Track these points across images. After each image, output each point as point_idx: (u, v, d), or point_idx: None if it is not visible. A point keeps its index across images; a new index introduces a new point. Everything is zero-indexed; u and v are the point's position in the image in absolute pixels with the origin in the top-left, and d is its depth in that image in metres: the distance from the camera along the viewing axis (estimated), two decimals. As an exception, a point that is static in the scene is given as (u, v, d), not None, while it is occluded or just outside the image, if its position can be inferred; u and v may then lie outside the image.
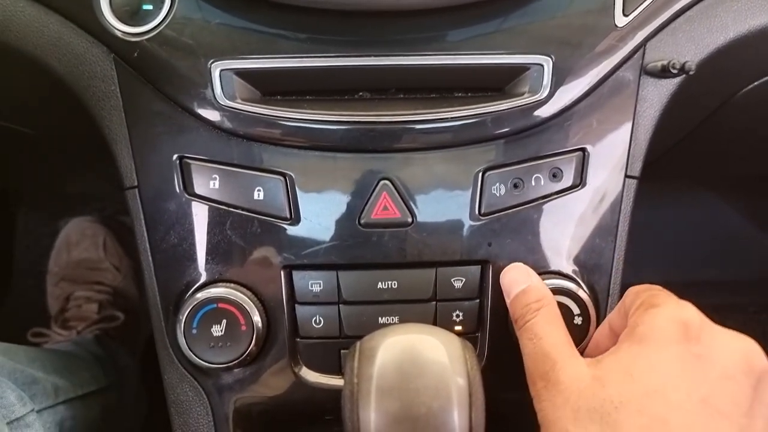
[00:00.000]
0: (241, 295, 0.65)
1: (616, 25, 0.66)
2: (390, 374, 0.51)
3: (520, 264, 0.66)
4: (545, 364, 0.55)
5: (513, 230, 0.67)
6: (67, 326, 1.32)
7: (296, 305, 0.68)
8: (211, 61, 0.64)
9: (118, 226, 1.47)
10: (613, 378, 0.50)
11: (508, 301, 0.64)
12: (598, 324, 0.66)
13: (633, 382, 0.49)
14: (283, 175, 0.66)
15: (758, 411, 0.48)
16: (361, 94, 0.67)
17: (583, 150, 0.67)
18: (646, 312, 0.53)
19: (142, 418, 1.29)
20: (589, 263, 0.68)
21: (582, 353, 0.66)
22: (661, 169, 0.91)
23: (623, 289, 0.69)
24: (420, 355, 0.52)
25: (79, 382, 1.00)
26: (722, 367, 0.49)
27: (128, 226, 1.37)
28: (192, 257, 0.67)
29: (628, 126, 0.68)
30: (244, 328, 0.65)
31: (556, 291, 0.65)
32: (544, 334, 0.58)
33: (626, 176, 0.69)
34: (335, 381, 0.68)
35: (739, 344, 0.50)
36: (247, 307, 0.65)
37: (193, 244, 0.67)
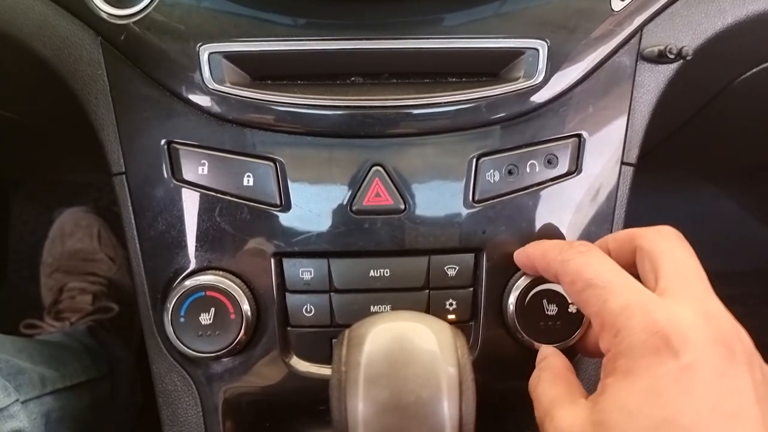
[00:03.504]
0: (230, 283, 0.64)
1: (612, 10, 0.65)
2: (378, 362, 0.50)
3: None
4: (545, 419, 0.53)
5: (507, 217, 0.66)
6: (61, 318, 1.31)
7: (287, 293, 0.67)
8: (200, 44, 0.62)
9: (112, 216, 1.46)
10: (613, 420, 0.47)
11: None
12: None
13: (634, 418, 0.46)
14: (273, 160, 0.65)
15: (762, 391, 0.46)
16: (353, 78, 0.66)
17: (579, 136, 0.66)
18: (616, 338, 0.49)
19: (137, 409, 1.29)
20: (584, 251, 0.67)
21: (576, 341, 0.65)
22: (660, 159, 0.90)
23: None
24: (409, 343, 0.51)
25: (68, 373, 0.99)
26: (712, 367, 0.46)
27: (121, 215, 1.36)
28: (180, 244, 0.66)
29: (625, 112, 0.67)
30: (233, 316, 0.64)
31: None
32: (540, 394, 0.56)
33: (623, 163, 0.68)
34: (326, 370, 0.67)
35: (716, 335, 0.48)
36: (236, 295, 0.64)
37: (181, 231, 0.66)
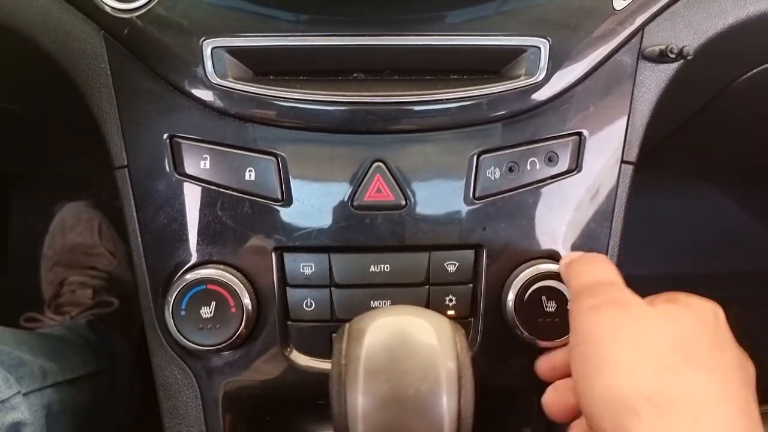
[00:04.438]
0: (231, 277, 0.65)
1: (614, 9, 0.66)
2: (378, 356, 0.50)
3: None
4: None
5: (508, 214, 0.66)
6: (61, 311, 1.31)
7: (287, 288, 0.67)
8: (203, 38, 0.63)
9: (113, 211, 1.46)
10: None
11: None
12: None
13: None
14: (275, 155, 0.65)
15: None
16: (355, 74, 0.66)
17: (580, 134, 0.67)
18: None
19: (137, 403, 1.29)
20: (583, 249, 0.67)
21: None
22: (659, 158, 0.90)
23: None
24: (409, 337, 0.52)
25: (69, 366, 0.99)
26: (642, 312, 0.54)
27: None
28: (181, 238, 0.66)
29: (625, 111, 0.67)
30: (233, 310, 0.64)
31: (550, 276, 0.64)
32: None
33: (622, 161, 0.68)
34: (326, 365, 0.67)
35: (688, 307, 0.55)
36: (236, 289, 0.64)
37: (182, 225, 0.66)
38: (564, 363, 0.64)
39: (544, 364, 0.66)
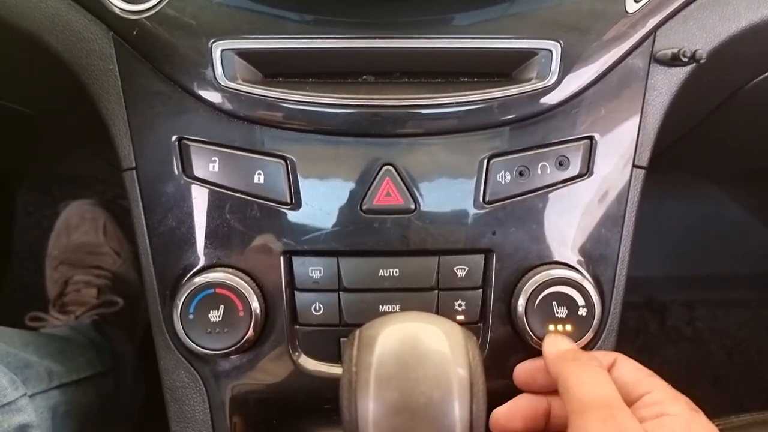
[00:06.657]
0: (240, 281, 0.64)
1: (626, 12, 0.65)
2: (389, 363, 0.50)
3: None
4: None
5: (518, 219, 0.66)
6: (66, 311, 1.31)
7: (296, 292, 0.67)
8: (212, 40, 0.62)
9: (118, 209, 1.46)
10: None
11: None
12: (602, 315, 0.65)
13: None
14: (284, 158, 0.65)
15: None
16: (365, 77, 0.66)
17: (591, 138, 0.66)
18: None
19: (140, 404, 1.29)
20: (594, 254, 0.67)
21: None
22: (666, 161, 0.90)
23: (628, 281, 0.68)
24: (420, 344, 0.51)
25: (74, 367, 0.99)
26: None
27: (129, 210, 1.36)
28: (190, 241, 0.66)
29: (637, 115, 0.67)
30: (242, 314, 0.64)
31: (561, 281, 0.64)
32: None
33: (634, 166, 0.68)
34: (334, 369, 0.67)
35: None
36: (245, 293, 0.64)
37: (191, 228, 0.66)
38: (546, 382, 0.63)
39: (523, 374, 0.65)
